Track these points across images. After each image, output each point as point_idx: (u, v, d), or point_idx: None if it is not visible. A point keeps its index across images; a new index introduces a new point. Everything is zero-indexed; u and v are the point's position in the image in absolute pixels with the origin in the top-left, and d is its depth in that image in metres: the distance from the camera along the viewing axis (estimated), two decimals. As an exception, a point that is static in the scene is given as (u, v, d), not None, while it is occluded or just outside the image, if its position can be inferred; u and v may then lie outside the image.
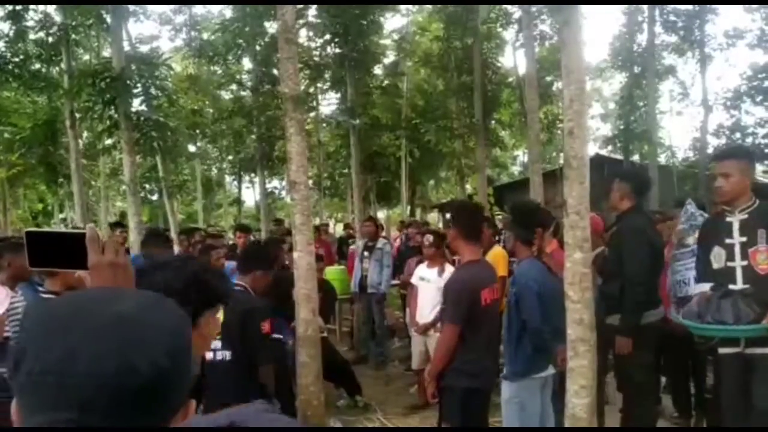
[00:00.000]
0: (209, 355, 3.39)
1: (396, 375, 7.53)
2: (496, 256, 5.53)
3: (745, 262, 3.44)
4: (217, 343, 3.39)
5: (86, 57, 17.32)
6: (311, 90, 16.85)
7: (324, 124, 21.17)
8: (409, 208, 26.67)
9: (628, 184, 4.30)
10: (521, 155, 34.55)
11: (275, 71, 13.30)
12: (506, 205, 4.86)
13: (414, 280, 6.23)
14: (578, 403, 3.18)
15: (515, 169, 35.53)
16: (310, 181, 21.33)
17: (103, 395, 0.63)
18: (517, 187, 17.44)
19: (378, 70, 17.55)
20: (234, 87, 17.35)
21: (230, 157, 22.76)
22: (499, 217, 12.93)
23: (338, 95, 16.16)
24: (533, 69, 9.56)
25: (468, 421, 3.51)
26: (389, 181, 24.38)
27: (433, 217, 30.83)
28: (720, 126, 15.66)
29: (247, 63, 15.60)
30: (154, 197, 25.44)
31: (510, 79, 18.17)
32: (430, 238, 6.20)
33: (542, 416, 3.88)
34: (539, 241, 4.09)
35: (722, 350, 3.56)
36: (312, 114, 18.82)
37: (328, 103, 19.84)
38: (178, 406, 0.72)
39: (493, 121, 18.18)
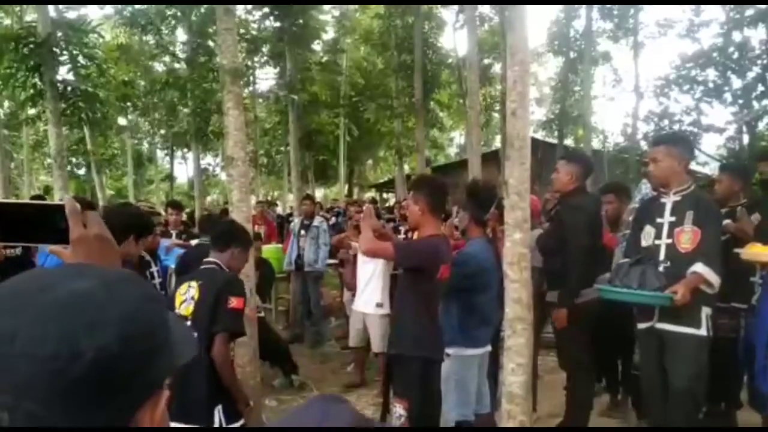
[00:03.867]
0: None
1: (332, 354, 7.52)
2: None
3: (669, 241, 3.59)
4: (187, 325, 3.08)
5: (7, 21, 16.38)
6: (248, 64, 16.47)
7: (261, 100, 20.79)
8: (347, 187, 26.61)
9: (577, 166, 4.38)
10: (458, 137, 34.90)
11: (211, 43, 12.91)
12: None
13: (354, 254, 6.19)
14: (515, 381, 3.23)
15: (452, 151, 35.87)
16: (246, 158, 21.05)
17: (40, 380, 0.57)
18: (455, 168, 17.58)
19: (317, 46, 17.31)
20: (167, 59, 16.78)
21: (162, 132, 22.10)
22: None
23: (276, 70, 15.86)
24: (474, 50, 9.58)
25: (426, 393, 3.46)
26: (327, 160, 24.22)
27: (371, 197, 30.88)
28: (650, 112, 16.19)
29: (181, 34, 15.11)
30: (82, 171, 24.49)
31: (449, 60, 18.24)
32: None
33: (479, 393, 3.95)
34: (493, 222, 4.12)
35: (639, 325, 3.72)
36: (249, 89, 18.42)
37: (266, 77, 19.44)
38: (140, 398, 0.64)
39: (432, 102, 18.23)
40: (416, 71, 13.51)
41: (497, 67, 18.70)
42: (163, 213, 8.57)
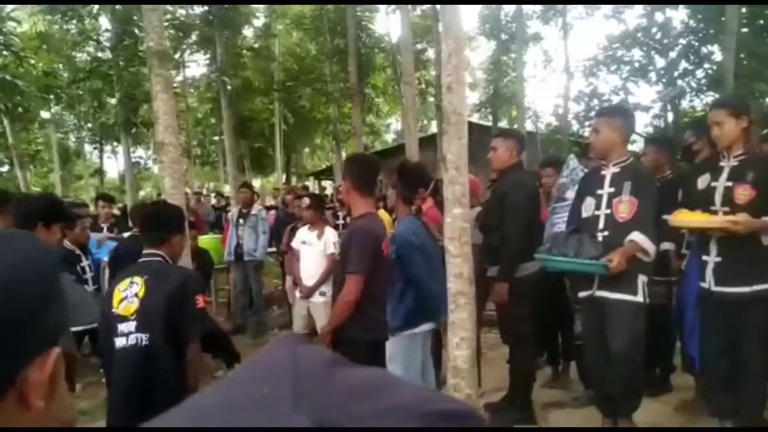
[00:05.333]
0: (120, 342, 2.79)
1: (276, 343, 7.42)
2: (382, 216, 5.57)
3: (608, 211, 3.67)
4: (130, 325, 2.80)
5: None
6: (177, 54, 16.00)
7: (192, 90, 20.27)
8: (284, 176, 26.31)
9: (514, 141, 4.44)
10: (395, 123, 34.97)
11: (137, 31, 12.47)
12: (382, 171, 4.91)
13: (295, 244, 6.14)
14: (459, 355, 3.24)
15: (389, 137, 35.92)
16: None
17: None
18: (392, 153, 17.60)
19: (249, 32, 16.97)
20: (91, 48, 16.11)
21: (90, 125, 21.28)
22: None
23: (207, 56, 15.47)
24: (408, 34, 9.56)
25: None
26: (264, 149, 23.87)
27: (309, 185, 30.65)
28: (580, 92, 16.59)
29: (105, 22, 14.52)
30: (4, 168, 23.39)
31: (383, 44, 18.19)
32: (306, 201, 6.12)
33: (423, 371, 3.97)
34: (420, 201, 4.14)
35: (580, 294, 3.80)
36: (179, 78, 17.92)
37: (197, 65, 18.98)
38: (27, 352, 0.61)
39: (368, 87, 18.17)
40: (350, 55, 13.40)
41: (431, 52, 18.77)
42: (92, 207, 8.26)
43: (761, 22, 13.31)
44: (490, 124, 17.18)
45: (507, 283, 4.14)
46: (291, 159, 29.20)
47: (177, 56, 16.44)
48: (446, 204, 3.23)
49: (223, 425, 0.39)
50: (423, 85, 19.72)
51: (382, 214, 4.82)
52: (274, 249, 8.71)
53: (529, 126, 16.94)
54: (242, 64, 16.22)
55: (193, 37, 14.94)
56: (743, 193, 3.48)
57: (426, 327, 3.89)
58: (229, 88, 12.10)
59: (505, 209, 4.20)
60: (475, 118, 18.64)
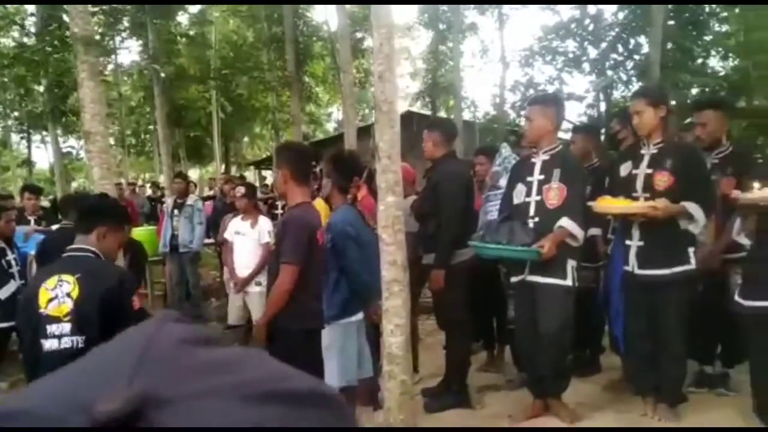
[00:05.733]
0: (51, 344, 2.61)
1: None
2: (319, 206, 5.56)
3: (539, 198, 3.77)
4: (64, 327, 2.61)
5: None
6: (108, 41, 15.47)
7: (126, 78, 19.67)
8: (223, 165, 25.87)
9: (437, 132, 4.51)
10: (336, 112, 34.81)
11: (65, 16, 12.00)
12: (322, 160, 4.85)
13: (228, 235, 6.07)
14: (394, 342, 3.28)
15: (330, 126, 35.72)
16: (112, 139, 19.86)
17: None
18: (332, 142, 17.51)
19: (184, 18, 16.55)
20: (16, 34, 15.42)
21: (16, 113, 20.38)
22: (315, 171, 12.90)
23: (140, 43, 15.02)
24: (345, 22, 9.52)
25: (308, 364, 3.41)
26: (201, 138, 23.40)
27: (249, 175, 30.21)
28: (516, 82, 16.88)
29: (30, 6, 13.91)
30: None
31: (322, 33, 18.06)
32: (241, 189, 6.06)
33: (360, 357, 4.00)
34: (355, 189, 4.15)
35: (512, 279, 3.92)
36: (111, 66, 17.36)
37: (129, 51, 18.40)
38: None
39: (307, 76, 18.02)
40: (287, 43, 13.23)
41: (370, 41, 18.69)
42: (18, 199, 7.94)
43: (686, 15, 13.82)
44: (429, 113, 17.33)
45: (442, 270, 4.21)
46: (230, 148, 28.71)
47: (108, 42, 15.91)
48: (379, 192, 3.25)
49: (54, 392, 0.39)
50: (362, 74, 19.69)
51: (320, 203, 4.81)
52: (211, 240, 8.58)
53: (467, 115, 17.17)
54: (176, 51, 15.81)
55: (126, 23, 14.49)
56: (662, 180, 3.63)
57: (361, 315, 3.92)
58: (162, 75, 11.78)
59: (439, 197, 4.27)
60: (416, 108, 18.75)
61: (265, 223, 5.91)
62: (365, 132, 13.44)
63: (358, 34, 18.32)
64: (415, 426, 3.48)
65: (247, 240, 5.80)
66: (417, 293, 5.16)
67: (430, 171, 4.61)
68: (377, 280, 3.46)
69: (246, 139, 30.68)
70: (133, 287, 2.90)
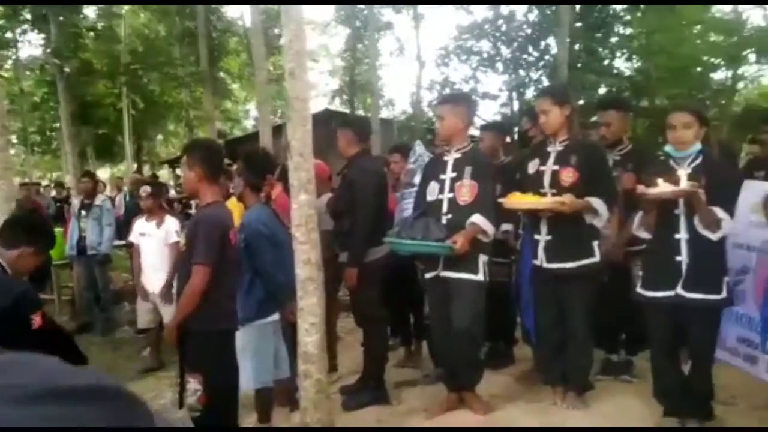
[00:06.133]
0: None
1: (125, 340, 7.10)
2: (233, 206, 5.45)
3: (451, 195, 3.84)
4: None
5: None
6: (5, 32, 14.61)
7: (28, 72, 18.65)
8: (135, 164, 24.96)
9: (350, 130, 4.53)
10: (254, 109, 34.20)
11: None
12: (238, 158, 4.77)
13: (133, 237, 5.89)
14: (309, 341, 3.26)
15: (248, 123, 35.07)
16: (14, 137, 18.79)
17: None
18: (248, 140, 17.22)
19: (91, 11, 15.83)
20: None
21: None
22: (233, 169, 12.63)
23: (42, 36, 14.25)
24: (259, 17, 9.38)
25: (222, 365, 3.37)
26: (111, 135, 22.48)
27: (164, 174, 29.26)
28: (432, 81, 17.14)
29: None
30: None
31: (236, 27, 17.71)
32: (147, 189, 5.88)
33: (277, 358, 3.96)
34: (269, 188, 4.09)
35: (426, 275, 3.97)
36: (11, 59, 16.40)
37: (29, 45, 17.42)
38: None
39: (221, 72, 17.62)
40: (200, 38, 12.91)
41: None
42: None
43: (594, 17, 14.40)
44: (348, 111, 17.34)
45: (356, 268, 4.22)
46: (142, 146, 27.74)
47: (8, 35, 15.05)
48: (292, 191, 3.22)
49: None
50: (279, 71, 19.45)
51: (233, 203, 4.73)
52: (123, 242, 8.27)
53: (385, 113, 17.27)
54: (83, 45, 15.09)
55: (27, 15, 13.71)
56: (568, 176, 3.77)
57: (277, 316, 3.88)
58: (66, 70, 11.22)
59: (353, 195, 4.27)
60: (335, 106, 18.68)
61: (171, 223, 5.77)
62: (281, 129, 13.30)
63: (277, 30, 18.05)
64: (331, 425, 3.47)
65: (153, 241, 5.66)
66: (335, 291, 5.15)
67: (345, 168, 4.61)
68: (292, 279, 3.42)
69: (159, 136, 29.70)
70: (34, 306, 2.77)
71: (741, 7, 15.77)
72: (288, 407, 4.07)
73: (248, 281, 3.80)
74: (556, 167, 3.81)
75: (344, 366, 5.28)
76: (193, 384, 3.31)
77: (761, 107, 17.13)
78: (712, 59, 16.31)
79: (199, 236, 3.25)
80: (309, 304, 3.24)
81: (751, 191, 4.10)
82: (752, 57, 16.25)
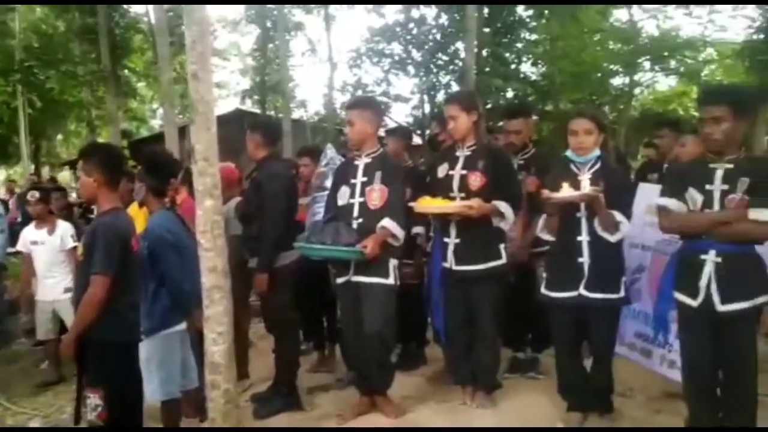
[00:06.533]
0: None
1: (22, 353, 6.69)
2: (135, 211, 5.26)
3: (362, 199, 3.85)
4: None
5: None
6: None
7: None
8: (33, 166, 23.64)
9: (259, 133, 4.47)
10: (161, 109, 33.11)
11: None
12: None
13: (22, 246, 5.59)
14: (216, 350, 3.16)
15: (156, 123, 33.94)
16: None
17: None
18: (154, 141, 16.65)
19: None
20: None
21: None
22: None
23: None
24: (164, 15, 9.08)
25: (125, 378, 3.24)
26: (6, 136, 21.21)
27: (64, 176, 27.86)
28: (345, 83, 17.16)
29: None
30: None
31: (141, 25, 17.05)
32: (35, 194, 5.59)
33: (184, 368, 3.84)
34: (173, 192, 3.96)
35: (338, 280, 3.96)
36: None
37: None
38: None
39: (125, 70, 16.92)
40: (101, 35, 12.35)
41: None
42: None
43: (499, 24, 14.82)
44: (259, 111, 17.05)
45: (266, 274, 4.16)
46: (41, 147, 26.32)
47: None
48: (197, 196, 3.11)
49: None
50: (185, 70, 18.88)
51: (134, 209, 4.56)
52: (16, 249, 7.79)
53: (297, 114, 17.14)
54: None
55: None
56: (475, 181, 3.85)
57: (184, 325, 3.76)
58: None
59: (263, 199, 4.20)
60: (247, 106, 18.32)
61: (65, 228, 5.52)
62: (188, 130, 12.88)
63: (183, 28, 17.50)
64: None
65: (46, 249, 5.41)
66: (246, 297, 5.05)
67: (253, 172, 4.53)
68: (199, 287, 3.32)
69: (60, 136, 28.29)
70: None
71: (636, 17, 16.68)
72: (197, 418, 3.94)
73: (153, 290, 3.66)
74: (465, 171, 3.89)
75: (256, 373, 5.17)
76: (93, 399, 3.18)
77: (656, 112, 18.21)
78: (611, 65, 17.20)
79: (98, 244, 3.13)
80: (215, 312, 3.14)
81: (646, 193, 4.32)
82: (647, 64, 17.27)
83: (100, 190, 3.25)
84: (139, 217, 4.28)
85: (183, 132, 9.07)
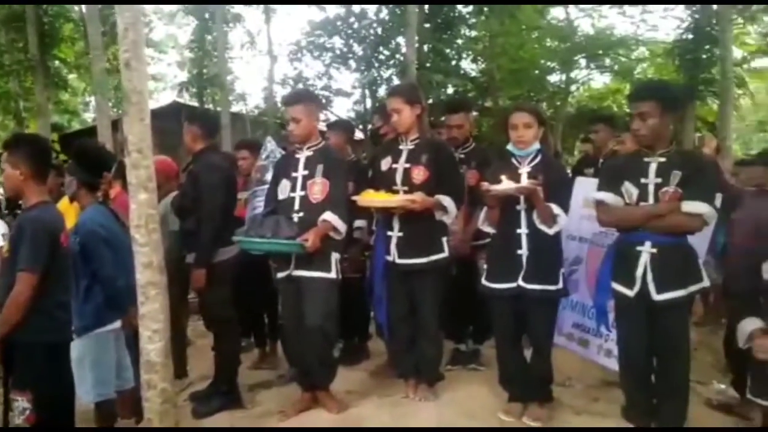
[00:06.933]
0: None
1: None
2: (66, 206, 5.06)
3: (303, 192, 3.79)
4: None
5: None
6: None
7: None
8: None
9: (196, 125, 4.37)
10: (95, 101, 31.96)
11: None
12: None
13: None
14: (152, 348, 3.07)
15: (89, 116, 32.75)
16: None
17: None
18: (87, 134, 16.04)
19: None
20: None
21: None
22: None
23: None
24: (94, 3, 8.75)
25: (54, 380, 3.13)
26: None
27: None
28: (286, 76, 16.93)
29: None
30: None
31: (71, 14, 16.37)
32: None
33: (118, 368, 3.73)
34: (106, 186, 3.83)
35: (278, 275, 3.89)
36: None
37: None
38: None
39: (56, 61, 16.23)
40: (29, 23, 11.82)
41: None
42: None
43: (439, 21, 14.91)
44: (197, 104, 16.66)
45: (204, 269, 4.06)
46: (-39, 140, 25.02)
47: None
48: (130, 189, 3.01)
49: None
50: (118, 61, 18.21)
51: (65, 203, 4.37)
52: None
53: (237, 108, 16.84)
54: None
55: None
56: (419, 174, 3.84)
57: (118, 324, 3.64)
58: None
59: (200, 192, 4.10)
60: (185, 99, 17.83)
61: None
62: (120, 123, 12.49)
63: (115, 17, 16.90)
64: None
65: None
66: (184, 294, 4.92)
67: (190, 165, 4.41)
68: (134, 284, 3.22)
69: (-16, 129, 26.99)
70: None
71: (573, 15, 17.09)
72: (133, 419, 3.83)
73: (85, 287, 3.55)
74: (408, 165, 3.88)
75: (196, 371, 5.08)
76: (21, 402, 3.07)
77: (591, 109, 18.72)
78: (549, 63, 17.57)
79: (24, 241, 3.01)
80: (151, 309, 3.05)
81: (583, 187, 4.42)
82: (583, 62, 17.73)
83: (27, 183, 3.13)
84: (70, 212, 4.13)
85: (116, 125, 8.78)
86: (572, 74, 18.43)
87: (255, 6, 17.16)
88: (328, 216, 3.68)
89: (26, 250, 2.99)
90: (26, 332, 3.03)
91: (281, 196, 3.88)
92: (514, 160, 3.62)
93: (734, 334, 3.02)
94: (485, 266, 3.84)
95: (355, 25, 15.50)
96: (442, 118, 4.73)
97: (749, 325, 2.87)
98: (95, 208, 3.66)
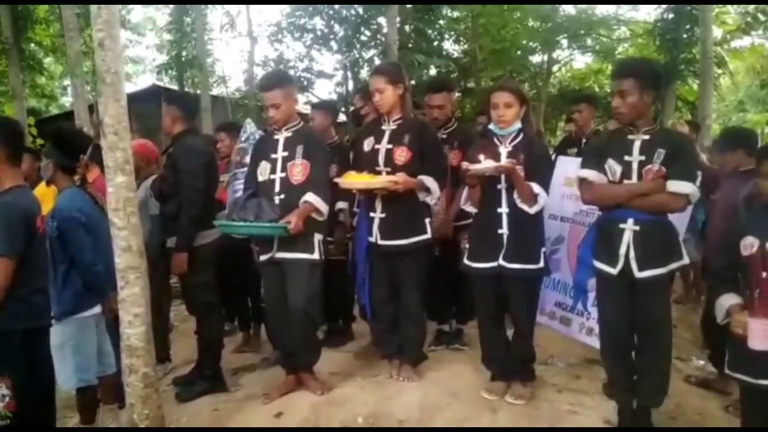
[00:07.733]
0: None
1: None
2: (43, 190, 4.98)
3: (283, 174, 3.75)
4: None
5: None
6: None
7: None
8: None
9: (175, 107, 4.31)
10: (72, 84, 31.40)
11: None
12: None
13: None
14: (133, 333, 3.04)
15: (67, 101, 32.23)
16: None
17: None
18: (65, 118, 15.75)
19: None
20: None
21: None
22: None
23: None
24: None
25: (33, 365, 3.10)
26: None
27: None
28: (266, 58, 16.73)
29: None
30: None
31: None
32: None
33: (100, 353, 3.70)
34: (84, 169, 3.76)
35: (261, 257, 3.86)
36: None
37: None
38: None
39: (31, 44, 15.91)
40: (1, 5, 11.55)
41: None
42: None
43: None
44: (177, 87, 16.45)
45: (185, 253, 4.03)
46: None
47: None
48: (107, 172, 2.96)
49: None
50: (94, 43, 17.89)
51: (42, 188, 4.29)
52: None
53: (217, 90, 16.63)
54: None
55: None
56: (401, 155, 3.83)
57: (99, 309, 3.60)
58: None
59: (180, 176, 4.05)
60: (165, 82, 17.59)
61: None
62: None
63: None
64: (160, 420, 3.28)
65: None
66: (167, 278, 4.88)
67: (169, 148, 4.35)
68: (113, 268, 3.18)
69: (-41, 113, 26.49)
70: None
71: (554, -5, 16.98)
72: (116, 404, 3.80)
73: (63, 272, 3.50)
74: (390, 146, 3.85)
75: (179, 356, 5.06)
76: (1, 389, 3.01)
77: (573, 89, 18.73)
78: (530, 43, 17.52)
79: None
80: (131, 294, 3.01)
81: (565, 166, 4.43)
82: (564, 42, 17.69)
83: (1, 167, 3.07)
84: (47, 196, 4.06)
85: (94, 108, 8.65)
86: (554, 54, 18.39)
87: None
88: (310, 197, 3.65)
89: (1, 235, 2.94)
90: (3, 319, 2.98)
91: (261, 178, 3.84)
92: (495, 140, 3.61)
93: (713, 310, 3.04)
94: (467, 246, 3.84)
95: (336, 6, 15.33)
96: (425, 98, 4.69)
97: (727, 300, 2.89)
98: (72, 191, 3.60)
